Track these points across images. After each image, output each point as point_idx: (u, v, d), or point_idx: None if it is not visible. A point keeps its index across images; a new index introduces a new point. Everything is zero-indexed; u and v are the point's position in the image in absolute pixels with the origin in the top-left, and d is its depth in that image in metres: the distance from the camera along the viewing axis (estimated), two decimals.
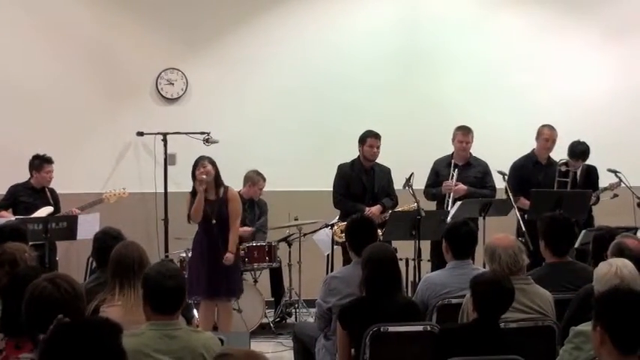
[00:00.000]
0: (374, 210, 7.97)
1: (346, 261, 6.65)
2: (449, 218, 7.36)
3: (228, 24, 9.61)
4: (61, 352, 2.52)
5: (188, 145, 8.97)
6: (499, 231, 5.71)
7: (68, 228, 7.63)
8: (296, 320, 8.44)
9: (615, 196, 8.61)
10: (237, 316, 7.67)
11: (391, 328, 4.58)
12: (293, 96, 9.60)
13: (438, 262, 7.10)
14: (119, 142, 9.39)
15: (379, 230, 6.64)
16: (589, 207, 8.41)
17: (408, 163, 8.15)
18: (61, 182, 8.56)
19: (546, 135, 8.54)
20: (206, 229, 7.18)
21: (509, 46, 9.98)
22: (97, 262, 5.36)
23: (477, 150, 8.46)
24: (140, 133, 9.16)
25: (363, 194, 8.16)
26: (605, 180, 8.70)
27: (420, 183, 8.21)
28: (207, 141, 8.89)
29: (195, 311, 6.96)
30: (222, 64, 9.56)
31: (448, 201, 8.11)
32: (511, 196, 7.79)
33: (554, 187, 8.35)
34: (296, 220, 8.53)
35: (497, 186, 8.37)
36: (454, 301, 5.03)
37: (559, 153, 8.60)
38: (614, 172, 8.50)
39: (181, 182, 8.36)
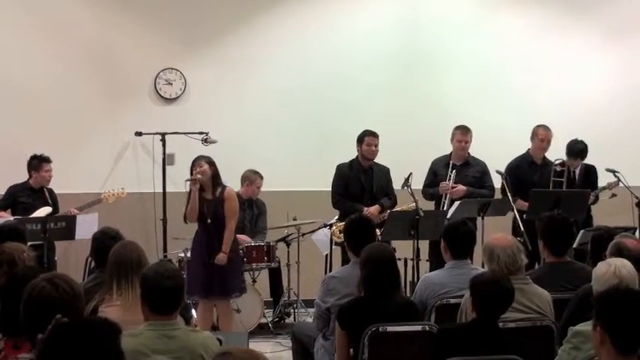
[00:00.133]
0: (372, 210, 7.98)
1: (345, 261, 6.65)
2: (447, 218, 7.37)
3: (226, 24, 9.60)
4: (60, 352, 2.51)
5: (187, 145, 8.96)
6: (497, 231, 5.71)
7: (67, 228, 7.63)
8: (295, 320, 8.44)
9: (614, 195, 8.61)
10: (236, 316, 7.68)
11: (390, 328, 4.58)
12: (292, 96, 9.59)
13: (436, 262, 7.11)
14: (118, 142, 9.38)
15: (378, 230, 6.64)
16: (588, 207, 8.42)
17: (408, 163, 8.15)
18: (59, 182, 8.56)
19: (541, 135, 8.55)
20: (203, 229, 7.19)
21: (509, 46, 9.98)
22: (96, 262, 5.36)
23: (476, 150, 8.46)
24: (139, 133, 9.15)
25: (362, 194, 8.17)
26: (604, 180, 8.70)
27: (418, 183, 8.22)
28: (205, 141, 8.89)
29: (193, 311, 6.95)
30: (220, 64, 9.55)
31: (444, 201, 8.11)
32: (510, 196, 7.80)
33: (550, 187, 8.35)
34: (295, 220, 8.53)
35: (495, 186, 8.37)
36: (453, 301, 5.03)
37: (557, 152, 8.60)
38: (613, 171, 8.50)
39: (180, 182, 8.30)
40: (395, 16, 9.82)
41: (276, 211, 8.73)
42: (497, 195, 8.29)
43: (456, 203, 7.86)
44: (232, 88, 9.56)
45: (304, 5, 9.77)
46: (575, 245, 6.87)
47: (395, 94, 9.76)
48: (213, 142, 8.86)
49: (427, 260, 7.86)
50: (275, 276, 8.65)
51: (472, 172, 8.36)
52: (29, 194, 8.33)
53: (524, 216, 7.79)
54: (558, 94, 9.98)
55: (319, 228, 8.26)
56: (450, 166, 8.25)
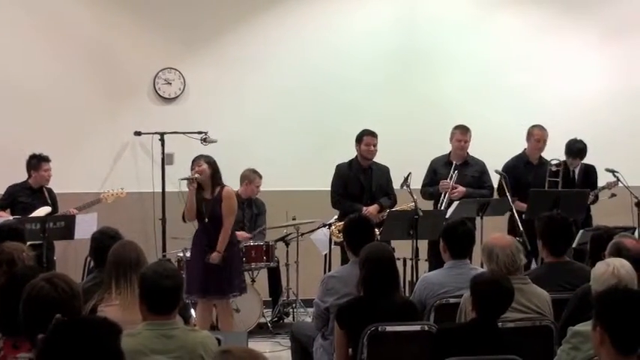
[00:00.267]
0: (371, 209, 7.98)
1: (345, 260, 6.65)
2: (446, 217, 7.37)
3: (225, 24, 9.60)
4: (60, 352, 2.51)
5: (186, 144, 8.96)
6: (496, 231, 5.73)
7: (66, 227, 7.63)
8: (294, 320, 8.44)
9: (613, 195, 8.60)
10: (235, 316, 7.67)
11: (389, 328, 4.58)
12: (291, 96, 9.59)
13: (435, 262, 7.10)
14: (117, 141, 9.37)
15: (377, 230, 6.64)
16: (587, 206, 8.42)
17: (407, 162, 8.16)
18: (58, 182, 8.56)
19: (537, 135, 8.55)
20: (201, 228, 7.19)
21: (508, 46, 9.99)
22: (95, 261, 5.36)
23: (475, 149, 8.46)
24: (138, 133, 9.15)
25: (361, 194, 8.17)
26: (603, 180, 8.69)
27: (418, 182, 8.22)
28: (204, 140, 8.88)
29: (192, 311, 6.94)
30: (219, 64, 9.55)
31: (442, 200, 8.10)
32: (509, 196, 7.80)
33: (545, 187, 8.35)
34: (294, 219, 8.53)
35: (494, 185, 8.38)
36: (452, 300, 5.03)
37: (556, 152, 8.60)
38: (613, 171, 8.49)
39: (179, 182, 8.35)
40: (393, 15, 9.83)
41: (276, 211, 8.73)
42: (496, 195, 8.29)
43: (455, 203, 7.87)
44: (231, 88, 9.55)
45: (303, 5, 9.78)
46: (574, 245, 6.87)
47: (394, 93, 9.76)
48: (213, 141, 8.86)
49: (426, 260, 7.86)
50: (274, 276, 8.65)
51: (471, 171, 8.36)
52: (28, 194, 8.33)
53: (523, 216, 7.79)
54: (557, 94, 9.99)
55: (318, 228, 8.26)
56: (453, 166, 8.23)
